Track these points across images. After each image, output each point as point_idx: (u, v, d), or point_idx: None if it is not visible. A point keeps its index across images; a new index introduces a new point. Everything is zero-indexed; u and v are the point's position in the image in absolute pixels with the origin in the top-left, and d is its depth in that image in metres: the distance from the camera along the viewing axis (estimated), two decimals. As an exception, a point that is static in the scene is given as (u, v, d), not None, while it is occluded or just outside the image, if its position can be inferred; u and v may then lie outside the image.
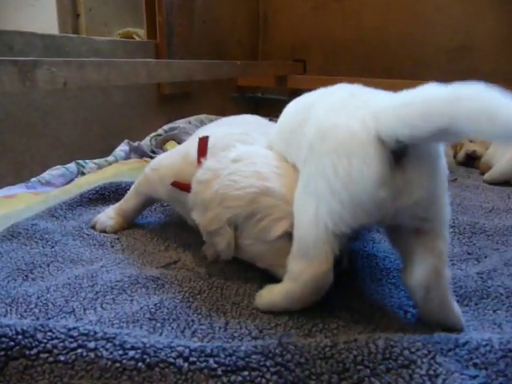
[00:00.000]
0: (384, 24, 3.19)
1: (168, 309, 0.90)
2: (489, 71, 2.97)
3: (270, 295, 0.89)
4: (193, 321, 0.86)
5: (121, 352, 0.69)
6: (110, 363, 0.68)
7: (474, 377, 0.69)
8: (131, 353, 0.69)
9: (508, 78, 2.86)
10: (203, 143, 1.09)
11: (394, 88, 2.44)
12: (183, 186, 1.09)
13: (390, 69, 3.19)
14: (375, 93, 0.90)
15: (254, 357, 0.68)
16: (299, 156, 0.90)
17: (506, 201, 1.73)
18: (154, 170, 1.23)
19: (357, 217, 0.78)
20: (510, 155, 1.93)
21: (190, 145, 1.15)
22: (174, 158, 1.21)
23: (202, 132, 1.23)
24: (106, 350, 0.69)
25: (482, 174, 2.09)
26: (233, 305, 0.92)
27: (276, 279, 0.92)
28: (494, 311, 0.92)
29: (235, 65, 2.29)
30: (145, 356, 0.68)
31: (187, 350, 0.69)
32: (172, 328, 0.84)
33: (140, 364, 0.68)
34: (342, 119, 0.80)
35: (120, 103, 2.20)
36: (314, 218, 0.80)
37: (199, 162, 1.05)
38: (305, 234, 0.83)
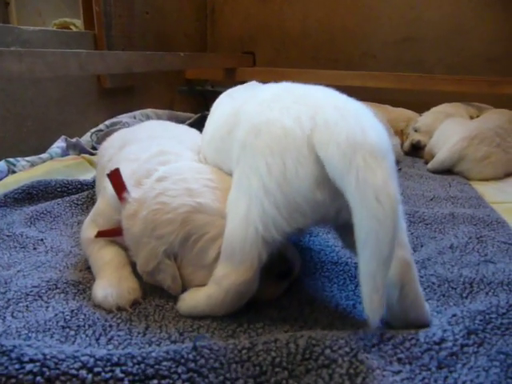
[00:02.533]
0: (329, 16, 3.19)
1: (85, 315, 0.84)
2: (434, 62, 3.02)
3: (193, 299, 0.84)
4: (111, 326, 0.81)
5: (17, 366, 0.62)
6: (4, 379, 0.61)
7: (397, 372, 0.66)
8: (29, 366, 0.62)
9: (451, 68, 2.93)
10: (115, 177, 0.94)
11: (343, 80, 2.45)
12: (111, 233, 0.96)
13: (338, 60, 3.20)
14: (311, 88, 0.85)
15: (164, 363, 0.63)
16: (233, 159, 0.84)
17: (447, 189, 1.75)
18: (83, 237, 1.05)
19: (292, 220, 0.73)
20: (450, 144, 1.96)
21: (107, 186, 0.98)
22: (96, 210, 1.05)
23: (109, 164, 1.08)
24: (1, 364, 0.62)
25: (427, 163, 2.11)
26: (156, 307, 0.87)
27: None
28: (426, 301, 0.90)
29: (178, 56, 2.21)
30: (44, 369, 0.62)
31: (92, 360, 0.63)
32: (87, 335, 0.78)
33: (38, 378, 0.61)
34: (275, 115, 0.75)
35: (56, 97, 2.08)
36: (244, 218, 0.75)
37: (121, 198, 0.92)
38: (232, 234, 0.77)
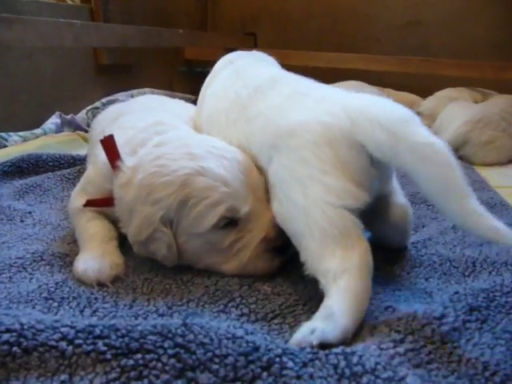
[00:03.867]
0: (334, -2, 3.12)
1: (70, 288, 0.80)
2: (438, 46, 2.96)
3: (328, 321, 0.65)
4: (96, 299, 0.77)
5: (-8, 335, 0.59)
6: (-23, 349, 0.57)
7: (400, 341, 0.63)
8: (5, 336, 0.58)
9: (455, 53, 2.86)
10: (108, 143, 0.88)
11: (346, 63, 2.39)
12: (101, 202, 0.91)
13: (341, 44, 3.13)
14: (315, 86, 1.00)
15: (150, 337, 0.59)
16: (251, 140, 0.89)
17: (450, 172, 1.71)
18: (71, 206, 1.00)
19: (358, 185, 0.75)
20: (454, 127, 1.91)
21: (99, 153, 0.94)
22: (86, 179, 1.00)
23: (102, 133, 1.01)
24: (-25, 333, 0.59)
25: (429, 147, 2.06)
26: (144, 280, 0.83)
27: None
28: (426, 279, 0.87)
29: (177, 33, 2.16)
30: (21, 339, 0.58)
31: (72, 332, 0.59)
32: (70, 307, 0.75)
33: (15, 348, 0.58)
34: (306, 115, 0.81)
35: (50, 72, 2.03)
36: (307, 204, 0.74)
37: (114, 166, 0.86)
38: (315, 224, 0.72)
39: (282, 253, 0.84)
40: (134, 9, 2.43)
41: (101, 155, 0.91)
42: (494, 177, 1.75)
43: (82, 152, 1.62)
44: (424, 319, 0.68)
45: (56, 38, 1.45)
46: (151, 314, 0.72)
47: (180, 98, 2.75)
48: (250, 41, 3.18)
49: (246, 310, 0.74)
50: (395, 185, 0.93)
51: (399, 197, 0.92)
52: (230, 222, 0.80)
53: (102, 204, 0.91)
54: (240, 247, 0.81)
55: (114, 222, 0.91)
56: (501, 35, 2.85)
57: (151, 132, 0.91)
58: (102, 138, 0.90)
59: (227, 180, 0.79)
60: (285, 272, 0.86)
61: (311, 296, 0.77)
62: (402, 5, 3.02)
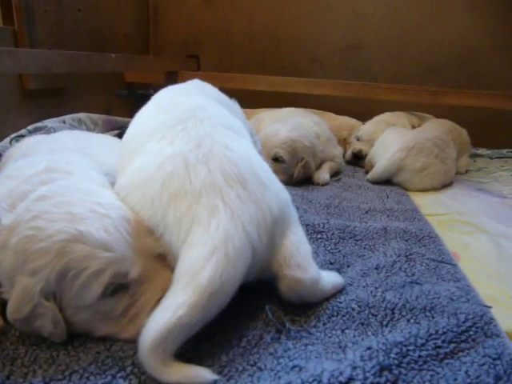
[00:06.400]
0: (276, 21, 3.12)
1: None
2: (378, 70, 3.02)
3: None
4: (-35, 375, 0.67)
5: None
6: None
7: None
8: None
9: (394, 76, 2.93)
10: None
11: (288, 86, 2.37)
12: None
13: (285, 67, 3.14)
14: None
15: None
16: None
17: (384, 200, 1.70)
18: None
19: None
20: (389, 154, 1.92)
21: None
22: None
23: None
24: None
25: (367, 172, 2.06)
26: (29, 348, 0.73)
27: None
28: (343, 331, 0.82)
29: (109, 58, 2.06)
30: None
31: None
32: None
33: None
34: None
35: (-32, 99, 1.89)
36: None
37: None
38: None
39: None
40: (65, 31, 2.32)
41: None
42: (428, 203, 1.76)
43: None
44: (329, 386, 0.63)
45: (-37, 65, 1.33)
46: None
47: (120, 122, 2.69)
48: (192, 63, 3.12)
49: (135, 382, 0.66)
50: (288, 255, 0.83)
51: (289, 268, 0.82)
52: (120, 288, 0.73)
53: None
54: (135, 312, 0.74)
55: None
56: (436, 60, 2.94)
57: (35, 182, 0.82)
58: None
59: (109, 244, 0.71)
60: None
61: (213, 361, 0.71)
62: (341, 28, 3.06)
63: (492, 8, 2.86)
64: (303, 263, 0.82)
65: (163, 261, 0.78)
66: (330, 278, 0.92)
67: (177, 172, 0.80)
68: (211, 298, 0.67)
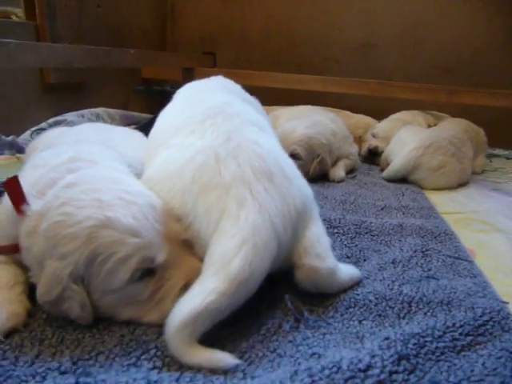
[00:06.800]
0: (291, 19, 3.13)
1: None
2: (391, 68, 3.01)
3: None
4: (-4, 354, 0.69)
5: None
6: None
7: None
8: None
9: (409, 75, 2.92)
10: (12, 186, 0.79)
11: (304, 84, 2.39)
12: (6, 249, 0.81)
13: (301, 64, 3.14)
14: None
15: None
16: None
17: (400, 198, 1.70)
18: None
19: None
20: (405, 152, 1.92)
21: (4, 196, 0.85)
22: None
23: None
24: None
25: (382, 170, 2.07)
26: (56, 330, 0.76)
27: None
28: (360, 322, 0.83)
29: (127, 53, 2.09)
30: None
31: None
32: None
33: None
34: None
35: (-9, 91, 1.93)
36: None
37: (19, 212, 0.78)
38: None
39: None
40: (85, 26, 2.36)
41: (6, 198, 0.82)
42: (444, 201, 1.76)
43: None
44: (348, 371, 0.65)
45: (-14, 58, 1.36)
46: (51, 372, 0.65)
47: (136, 118, 2.72)
48: (208, 60, 3.15)
49: (159, 363, 0.68)
50: (309, 245, 0.85)
51: (308, 257, 0.84)
52: (147, 273, 0.75)
53: (8, 252, 0.83)
54: (160, 297, 0.76)
55: (25, 267, 0.82)
56: (451, 59, 2.92)
57: (63, 170, 0.84)
58: (4, 179, 0.81)
59: (136, 230, 0.73)
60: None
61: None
62: (355, 27, 3.06)
63: (507, 5, 2.83)
64: (322, 253, 0.84)
65: (189, 248, 0.80)
66: (347, 270, 0.93)
67: (207, 165, 0.83)
68: (240, 287, 0.70)
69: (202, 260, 0.76)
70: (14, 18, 2.11)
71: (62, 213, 0.74)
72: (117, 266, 0.72)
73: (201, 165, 0.83)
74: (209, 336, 0.70)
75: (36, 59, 1.52)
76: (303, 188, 0.91)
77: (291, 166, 0.92)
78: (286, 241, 0.80)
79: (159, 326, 0.74)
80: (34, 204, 0.78)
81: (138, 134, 1.43)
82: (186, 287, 0.74)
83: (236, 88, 1.33)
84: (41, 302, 0.75)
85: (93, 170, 0.85)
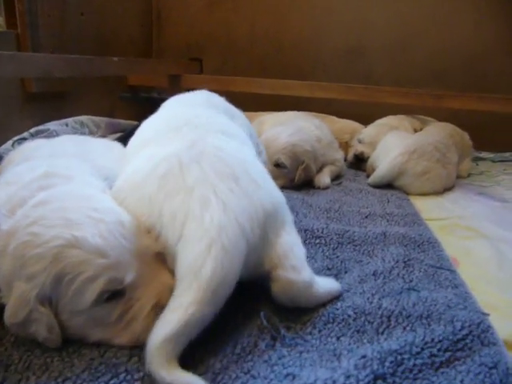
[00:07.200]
0: (278, 26, 3.12)
1: None
2: (381, 74, 3.01)
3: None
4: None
5: None
6: None
7: None
8: None
9: (397, 80, 2.92)
10: None
11: (291, 90, 2.38)
12: None
13: (287, 71, 3.13)
14: None
15: None
16: None
17: (385, 205, 1.69)
18: None
19: None
20: (390, 158, 1.91)
21: None
22: None
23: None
24: None
25: (368, 176, 2.06)
26: (24, 354, 0.73)
27: None
28: (338, 338, 0.82)
29: (111, 61, 2.07)
30: None
31: None
32: None
33: None
34: None
35: (-30, 102, 1.90)
36: None
37: None
38: None
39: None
40: (69, 36, 2.33)
41: None
42: (429, 207, 1.75)
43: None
44: (322, 395, 0.63)
45: (-37, 69, 1.34)
46: (14, 402, 0.63)
47: (123, 125, 2.69)
48: (194, 67, 3.13)
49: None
50: (282, 254, 0.83)
51: (283, 269, 0.82)
52: (115, 294, 0.73)
53: None
54: (130, 318, 0.74)
55: None
56: (439, 63, 2.93)
57: (34, 188, 0.82)
58: None
59: (103, 250, 0.71)
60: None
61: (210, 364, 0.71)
62: (344, 32, 3.06)
63: (496, 12, 2.84)
64: (297, 265, 0.83)
65: (162, 261, 0.78)
66: (324, 284, 0.92)
67: (171, 171, 0.83)
68: (217, 290, 0.70)
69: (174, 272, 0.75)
70: (-5, 27, 2.08)
71: (30, 232, 0.72)
72: (83, 286, 0.70)
73: (165, 172, 0.83)
74: (183, 355, 0.68)
75: (15, 69, 1.50)
76: (274, 193, 0.91)
77: (260, 172, 0.92)
78: (254, 242, 0.79)
79: (130, 348, 0.72)
80: (4, 223, 0.77)
81: (118, 146, 1.41)
82: (156, 306, 0.72)
83: (219, 101, 1.33)
84: (8, 324, 0.73)
85: (64, 188, 0.83)
